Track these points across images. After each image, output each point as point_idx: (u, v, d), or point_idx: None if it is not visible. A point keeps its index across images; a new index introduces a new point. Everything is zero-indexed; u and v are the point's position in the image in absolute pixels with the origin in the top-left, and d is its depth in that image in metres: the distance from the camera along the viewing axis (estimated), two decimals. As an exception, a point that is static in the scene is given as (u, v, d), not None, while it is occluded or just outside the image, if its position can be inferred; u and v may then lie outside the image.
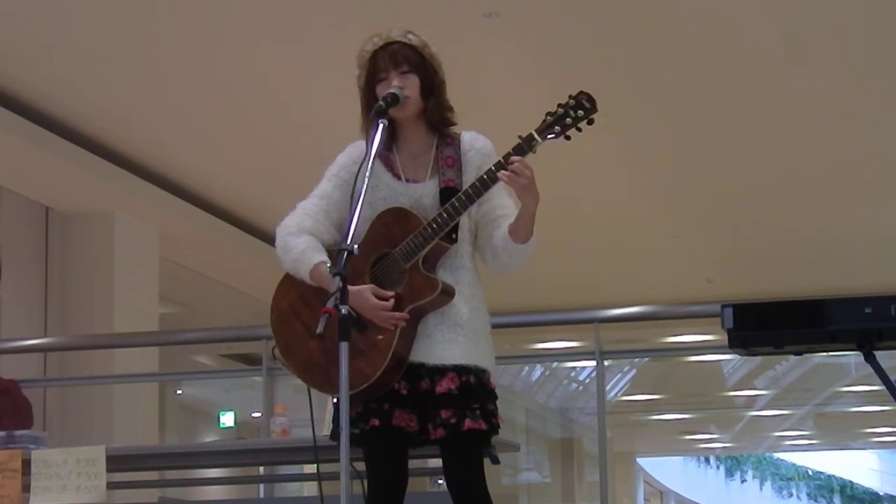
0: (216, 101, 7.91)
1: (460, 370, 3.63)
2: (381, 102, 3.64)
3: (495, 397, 3.71)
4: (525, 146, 3.58)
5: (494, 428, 3.68)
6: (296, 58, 7.28)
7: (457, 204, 3.61)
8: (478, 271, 3.79)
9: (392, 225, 3.67)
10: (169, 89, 7.70)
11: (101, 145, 8.41)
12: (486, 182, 3.59)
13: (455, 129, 3.81)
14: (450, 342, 3.64)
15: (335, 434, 3.66)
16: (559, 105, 3.62)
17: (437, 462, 3.75)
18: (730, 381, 19.84)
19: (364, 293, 3.56)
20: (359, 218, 3.45)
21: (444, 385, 3.60)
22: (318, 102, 7.76)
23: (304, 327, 3.66)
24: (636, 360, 17.20)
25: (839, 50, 7.47)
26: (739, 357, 10.46)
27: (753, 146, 8.99)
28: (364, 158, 3.56)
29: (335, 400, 3.73)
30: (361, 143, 3.75)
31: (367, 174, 3.52)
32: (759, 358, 10.54)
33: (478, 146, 3.77)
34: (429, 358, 3.63)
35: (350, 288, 3.35)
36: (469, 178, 3.68)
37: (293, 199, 3.81)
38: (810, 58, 7.58)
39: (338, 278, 3.30)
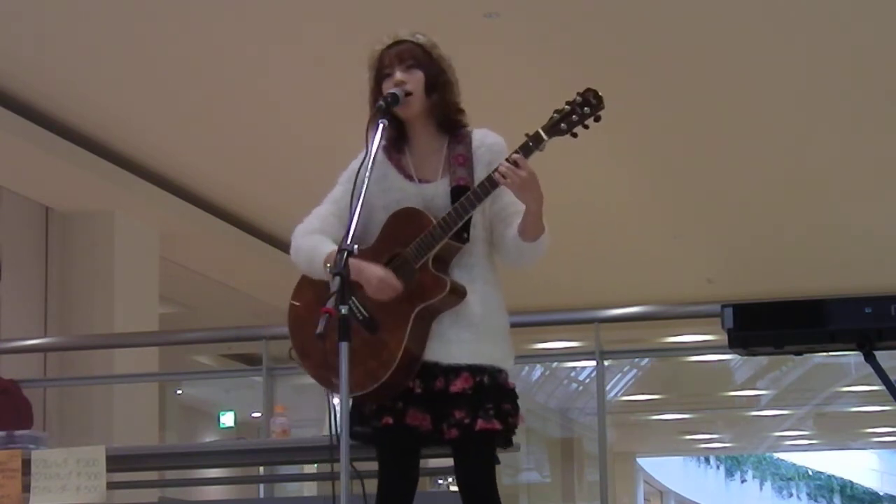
0: (216, 102, 7.91)
1: (474, 370, 3.60)
2: (381, 102, 3.62)
3: (514, 396, 3.67)
4: (532, 144, 3.53)
5: (511, 427, 3.65)
6: (296, 59, 7.28)
7: (465, 203, 3.57)
8: (495, 269, 3.75)
9: (404, 225, 3.64)
10: (169, 90, 7.70)
11: (101, 145, 8.41)
12: (493, 181, 3.54)
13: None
14: (463, 341, 3.61)
15: (354, 433, 3.61)
16: (566, 102, 3.57)
17: (437, 462, 3.74)
18: (730, 382, 19.84)
19: (358, 264, 3.46)
20: (359, 218, 3.43)
21: (459, 385, 3.57)
22: (318, 104, 7.76)
23: None
24: (636, 360, 17.19)
25: (840, 50, 7.47)
26: (739, 357, 10.45)
27: (754, 146, 8.99)
28: (363, 157, 3.54)
29: (336, 400, 3.72)
30: None
31: (368, 174, 3.49)
32: (759, 358, 10.53)
33: (488, 142, 3.72)
34: (443, 357, 3.60)
35: (351, 262, 3.33)
36: (480, 176, 3.62)
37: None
38: (811, 58, 7.58)
39: (338, 278, 3.28)
